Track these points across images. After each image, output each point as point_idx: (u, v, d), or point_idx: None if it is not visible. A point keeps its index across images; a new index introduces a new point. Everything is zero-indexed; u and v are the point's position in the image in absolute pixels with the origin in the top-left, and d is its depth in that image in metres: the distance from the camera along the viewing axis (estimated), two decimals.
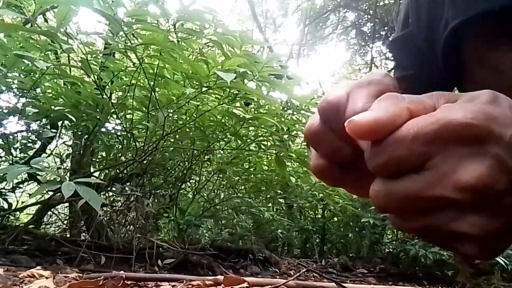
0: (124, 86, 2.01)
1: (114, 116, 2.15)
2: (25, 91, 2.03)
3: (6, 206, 2.14)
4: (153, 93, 1.82)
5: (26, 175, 2.48)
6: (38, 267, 1.45)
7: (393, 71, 0.72)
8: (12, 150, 2.15)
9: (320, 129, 0.33)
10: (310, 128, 0.34)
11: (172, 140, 2.42)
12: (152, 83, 1.79)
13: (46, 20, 2.62)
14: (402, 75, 0.64)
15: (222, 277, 1.40)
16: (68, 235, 2.57)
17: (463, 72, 0.49)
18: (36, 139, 2.36)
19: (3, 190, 2.17)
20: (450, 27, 0.45)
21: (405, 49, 0.62)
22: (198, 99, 1.97)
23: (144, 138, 2.21)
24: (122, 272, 1.50)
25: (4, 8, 1.69)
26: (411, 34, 0.59)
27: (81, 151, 2.38)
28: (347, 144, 0.32)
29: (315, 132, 0.33)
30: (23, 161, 2.16)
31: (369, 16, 7.08)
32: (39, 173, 2.44)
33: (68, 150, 2.67)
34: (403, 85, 0.65)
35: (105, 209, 2.57)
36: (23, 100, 2.10)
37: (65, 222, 2.89)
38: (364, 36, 7.34)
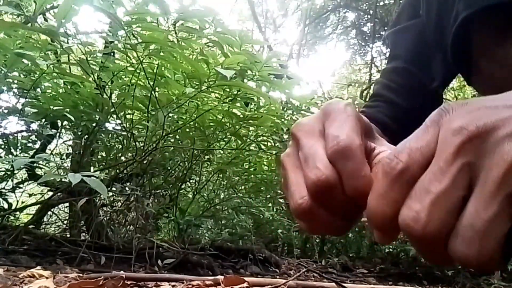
0: (124, 86, 2.01)
1: (114, 116, 2.15)
2: (25, 91, 2.02)
3: (6, 206, 2.13)
4: (153, 93, 1.82)
5: (26, 175, 2.48)
6: (38, 267, 1.45)
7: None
8: (12, 150, 2.15)
9: (311, 207, 0.30)
10: (300, 206, 0.30)
11: (172, 140, 2.42)
12: (152, 82, 1.79)
13: (46, 20, 2.62)
14: (394, 66, 0.64)
15: (222, 277, 1.39)
16: (68, 235, 2.57)
17: (471, 65, 0.50)
18: (36, 139, 2.36)
19: (3, 190, 2.17)
20: (460, 19, 0.45)
21: (404, 40, 0.62)
22: (198, 99, 1.97)
23: (144, 138, 2.21)
24: (122, 272, 1.50)
25: (4, 6, 1.69)
26: (416, 26, 0.59)
27: (81, 151, 2.38)
28: (340, 218, 0.31)
29: (305, 210, 0.30)
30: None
31: (369, 16, 7.08)
32: (40, 171, 2.44)
33: (68, 149, 2.67)
34: (394, 77, 0.65)
35: (105, 209, 2.57)
36: (23, 100, 2.10)
37: (65, 222, 2.89)
38: (364, 36, 7.34)
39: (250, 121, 2.11)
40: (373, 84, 0.69)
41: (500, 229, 0.22)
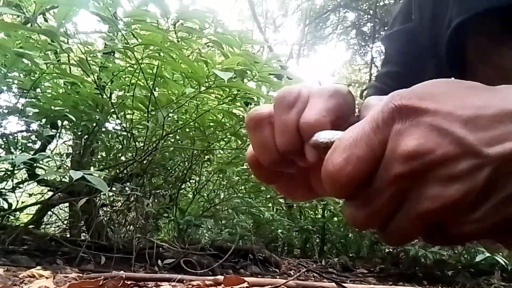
0: (124, 86, 2.02)
1: (114, 116, 2.15)
2: (25, 91, 2.03)
3: (6, 206, 2.14)
4: (153, 93, 1.82)
5: (26, 175, 2.48)
6: (38, 267, 1.45)
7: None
8: (12, 150, 2.15)
9: (267, 118, 0.32)
10: (257, 114, 0.32)
11: (172, 140, 2.42)
12: (151, 83, 1.79)
13: (46, 20, 2.62)
14: (388, 70, 0.64)
15: (222, 277, 1.40)
16: (68, 235, 2.57)
17: (466, 70, 0.49)
18: (36, 139, 2.36)
19: (3, 190, 2.17)
20: (454, 25, 0.45)
21: (397, 44, 0.62)
22: (198, 99, 1.97)
23: (144, 138, 2.21)
24: (122, 272, 1.50)
25: (4, 7, 1.69)
26: (408, 30, 0.59)
27: (81, 151, 2.38)
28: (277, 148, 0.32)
29: (260, 119, 0.32)
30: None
31: (369, 16, 7.08)
32: (40, 171, 2.44)
33: (68, 149, 2.67)
34: (388, 81, 0.65)
35: (105, 209, 2.57)
36: (23, 100, 2.10)
37: (65, 222, 2.89)
38: (364, 36, 7.34)
39: None
40: (367, 89, 0.69)
41: (416, 236, 0.27)
